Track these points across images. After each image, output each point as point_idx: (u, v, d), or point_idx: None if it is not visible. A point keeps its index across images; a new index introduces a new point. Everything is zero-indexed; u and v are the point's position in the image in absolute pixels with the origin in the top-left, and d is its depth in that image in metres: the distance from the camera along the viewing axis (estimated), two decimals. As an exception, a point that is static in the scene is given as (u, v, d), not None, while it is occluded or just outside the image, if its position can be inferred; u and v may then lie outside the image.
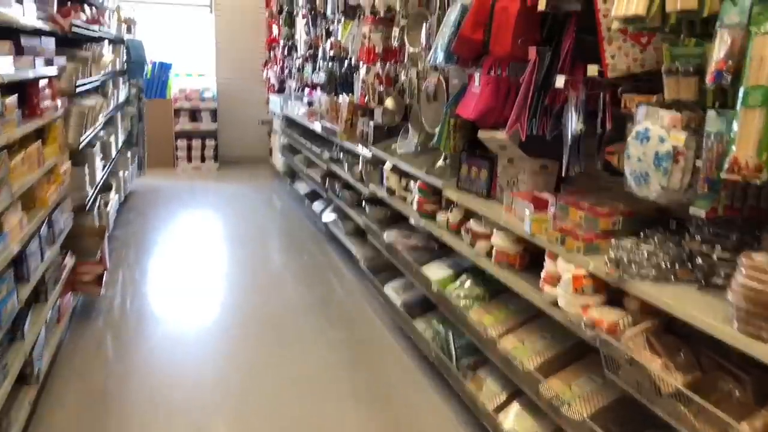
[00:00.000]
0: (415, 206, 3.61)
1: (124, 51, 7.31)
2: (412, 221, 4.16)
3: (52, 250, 3.36)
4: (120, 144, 6.44)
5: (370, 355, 3.76)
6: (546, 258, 2.34)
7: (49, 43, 3.55)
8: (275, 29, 9.06)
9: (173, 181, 8.68)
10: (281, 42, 8.62)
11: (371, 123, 4.56)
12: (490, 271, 2.79)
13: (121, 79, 6.74)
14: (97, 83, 4.96)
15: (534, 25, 2.65)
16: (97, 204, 4.86)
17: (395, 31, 4.19)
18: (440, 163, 3.57)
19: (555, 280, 2.26)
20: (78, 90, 4.01)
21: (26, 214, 2.90)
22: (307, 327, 4.07)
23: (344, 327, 4.10)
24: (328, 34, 6.01)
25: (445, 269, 3.40)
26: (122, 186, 6.19)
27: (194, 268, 5.15)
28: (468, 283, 3.12)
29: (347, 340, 3.92)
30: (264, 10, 9.71)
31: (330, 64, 6.01)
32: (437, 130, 3.22)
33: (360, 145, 4.84)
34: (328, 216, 6.02)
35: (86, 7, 4.99)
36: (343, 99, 5.31)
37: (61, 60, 3.69)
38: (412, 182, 3.82)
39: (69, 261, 3.88)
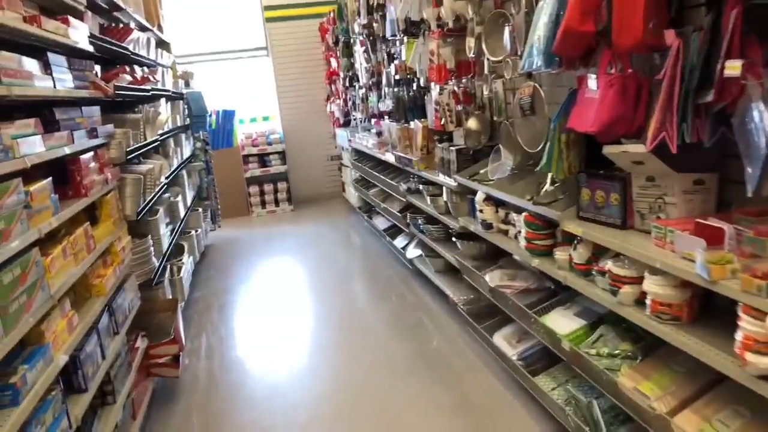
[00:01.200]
0: (522, 243, 3.00)
1: (184, 106, 7.11)
2: (516, 257, 3.55)
3: (116, 341, 2.97)
4: (189, 202, 6.17)
5: (493, 424, 3.14)
6: (742, 313, 1.68)
7: (93, 112, 3.22)
8: (333, 62, 8.72)
9: (249, 230, 8.41)
10: (341, 74, 8.26)
11: (452, 148, 4.00)
12: (644, 325, 2.14)
13: (183, 135, 6.51)
14: (156, 144, 4.66)
15: (661, 2, 2.03)
16: (168, 273, 4.52)
17: (469, 42, 3.64)
18: (547, 187, 2.95)
19: (764, 345, 1.59)
20: (131, 156, 3.68)
21: (78, 310, 2.51)
22: (410, 392, 3.51)
23: (454, 387, 3.50)
24: (391, 57, 5.53)
25: (572, 319, 2.76)
26: (196, 245, 5.89)
27: (278, 327, 4.72)
28: (610, 338, 2.47)
29: (462, 405, 3.32)
30: (320, 43, 9.42)
31: (396, 89, 5.51)
32: (545, 149, 2.61)
33: (441, 174, 4.28)
34: (413, 252, 5.48)
35: (136, 68, 4.72)
36: (416, 125, 4.78)
37: (107, 128, 3.35)
38: (513, 213, 3.22)
39: (141, 344, 3.50)
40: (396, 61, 5.02)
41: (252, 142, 9.31)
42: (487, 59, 3.42)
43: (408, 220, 5.18)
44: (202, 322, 4.95)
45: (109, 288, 2.94)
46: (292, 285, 5.79)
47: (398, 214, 5.59)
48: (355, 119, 7.99)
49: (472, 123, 3.78)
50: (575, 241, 2.58)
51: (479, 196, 3.47)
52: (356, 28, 6.59)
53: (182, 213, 5.46)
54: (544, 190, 2.98)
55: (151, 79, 4.70)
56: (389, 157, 5.78)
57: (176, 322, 3.83)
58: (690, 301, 2.01)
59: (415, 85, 4.85)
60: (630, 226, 2.35)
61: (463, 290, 4.32)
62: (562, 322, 2.76)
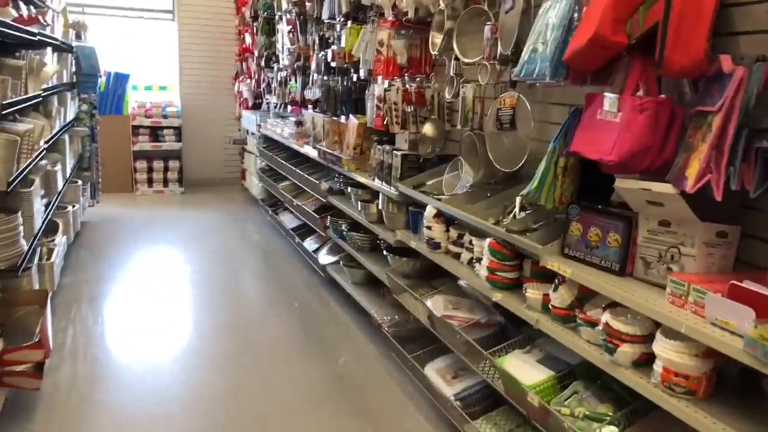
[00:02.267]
0: (482, 272, 2.64)
1: (73, 61, 6.15)
2: (462, 284, 3.19)
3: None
4: (69, 172, 5.29)
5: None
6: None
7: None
8: (248, 38, 8.03)
9: (132, 209, 7.51)
10: (256, 52, 7.60)
11: (396, 153, 3.58)
12: (648, 394, 1.83)
13: (69, 94, 5.59)
14: (37, 100, 3.85)
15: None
16: (38, 256, 3.74)
17: (434, 37, 3.24)
18: (516, 212, 2.61)
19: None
20: (7, 111, 2.92)
21: None
22: (320, 426, 3.04)
23: (372, 423, 3.07)
24: (324, 42, 5.02)
25: (535, 366, 2.43)
26: (72, 224, 5.04)
27: (158, 331, 4.05)
28: (586, 397, 2.16)
29: (382, 448, 2.91)
30: (234, 16, 8.67)
31: (326, 77, 5.01)
32: (537, 173, 2.25)
33: (377, 180, 3.85)
34: (326, 257, 5.00)
35: (21, 4, 3.88)
36: (351, 120, 4.31)
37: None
38: (471, 236, 2.85)
39: (-6, 349, 2.77)
40: (334, 47, 4.53)
41: (145, 111, 8.38)
42: (456, 60, 3.04)
43: (327, 224, 4.70)
44: (71, 316, 4.17)
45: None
46: (177, 281, 5.10)
47: (314, 214, 5.09)
48: (268, 103, 7.37)
49: (428, 128, 3.38)
50: (556, 281, 2.25)
51: (429, 212, 3.07)
52: (284, 5, 6.00)
53: (60, 185, 4.62)
54: (511, 215, 2.64)
55: (43, 21, 3.87)
56: (309, 151, 5.26)
57: (43, 320, 3.10)
58: (710, 374, 1.73)
59: (354, 76, 4.38)
60: (629, 273, 2.05)
61: (386, 308, 3.92)
62: (525, 369, 2.42)
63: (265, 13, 6.81)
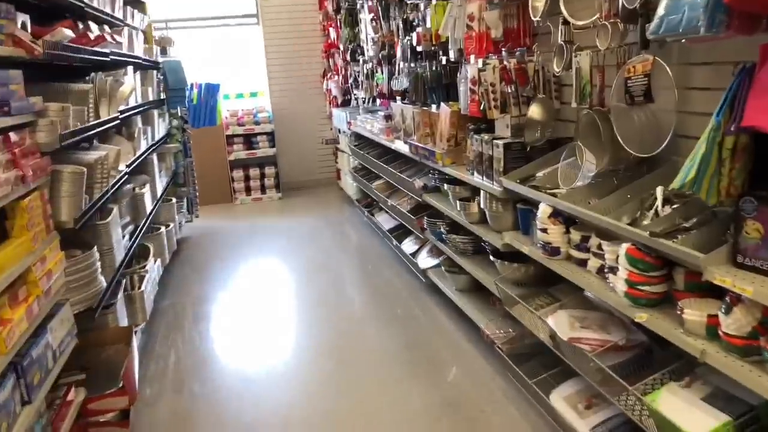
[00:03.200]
0: (620, 285, 2.10)
1: (159, 77, 6.10)
2: (589, 294, 2.65)
3: (28, 412, 2.04)
4: (160, 192, 5.20)
5: None
6: None
7: (7, 77, 2.24)
8: (333, 33, 7.73)
9: (231, 220, 7.45)
10: (341, 46, 7.28)
11: (498, 142, 3.07)
12: None
13: (156, 112, 5.52)
14: (115, 123, 3.69)
15: None
16: (123, 287, 3.58)
17: (534, 0, 2.70)
18: (659, 208, 2.05)
19: None
20: (73, 139, 2.71)
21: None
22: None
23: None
24: (409, 26, 4.57)
25: (701, 408, 1.87)
26: (166, 245, 4.93)
27: (263, 352, 3.80)
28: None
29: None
30: (317, 12, 8.41)
31: (414, 64, 4.56)
32: (693, 159, 1.69)
33: (477, 174, 3.36)
34: (426, 261, 4.57)
35: (92, 25, 3.73)
36: (442, 109, 3.84)
37: (28, 101, 2.37)
38: (600, 240, 2.31)
39: (76, 396, 2.58)
40: (419, 29, 4.07)
41: (237, 120, 8.32)
42: (565, 24, 2.49)
43: (424, 225, 4.26)
44: (168, 342, 4.02)
45: (17, 338, 2.00)
46: (279, 295, 4.86)
47: (409, 215, 4.67)
48: (356, 99, 7.03)
49: (534, 110, 2.85)
50: (727, 300, 1.68)
51: (543, 211, 2.55)
52: (364, -8, 5.62)
53: (149, 207, 4.50)
54: (652, 211, 2.08)
55: (112, 40, 3.71)
56: (400, 146, 4.85)
57: (129, 360, 2.90)
58: None
59: (443, 59, 3.90)
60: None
61: (497, 320, 3.43)
62: (687, 412, 1.87)
63: (347, 3, 6.45)
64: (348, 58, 6.95)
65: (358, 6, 6.14)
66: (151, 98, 5.35)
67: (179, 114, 6.68)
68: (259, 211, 7.84)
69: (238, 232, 6.87)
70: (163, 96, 6.22)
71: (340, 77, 7.55)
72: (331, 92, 8.03)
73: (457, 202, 3.55)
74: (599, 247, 2.30)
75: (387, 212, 5.67)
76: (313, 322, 4.26)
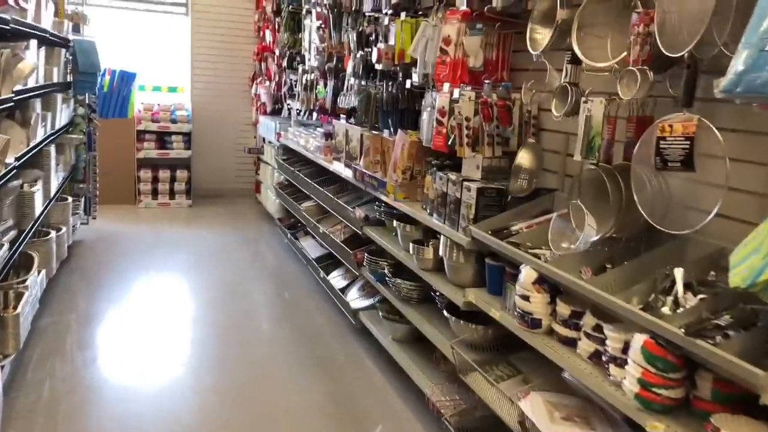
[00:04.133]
0: (630, 385, 1.75)
1: (67, 57, 5.34)
2: (567, 376, 2.31)
3: None
4: (55, 190, 4.45)
5: None
6: None
7: None
8: (268, 35, 7.20)
9: (133, 225, 6.67)
10: (277, 51, 6.78)
11: (471, 185, 2.70)
12: None
13: (60, 97, 4.77)
14: (8, 105, 3.01)
15: None
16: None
17: (534, 31, 2.36)
18: (681, 295, 1.73)
19: None
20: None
21: None
22: None
23: None
24: (364, 40, 4.16)
25: None
26: (54, 255, 4.19)
27: (146, 402, 3.19)
28: None
29: None
30: (253, 11, 7.85)
31: (365, 82, 4.15)
32: (753, 247, 1.37)
33: (435, 215, 2.98)
34: (358, 301, 4.14)
35: (-9, -18, 3.04)
36: (400, 137, 3.44)
37: None
38: (593, 318, 1.97)
39: None
40: (380, 45, 3.66)
41: (152, 115, 7.55)
42: (572, 62, 2.17)
43: (364, 262, 3.83)
44: (47, 369, 3.32)
45: None
46: (177, 322, 4.23)
47: (345, 247, 4.22)
48: (289, 109, 6.52)
49: (524, 157, 2.50)
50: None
51: (527, 275, 2.19)
52: (313, -4, 5.17)
53: (39, 208, 3.78)
54: (671, 298, 1.76)
55: (15, 4, 3.03)
56: (340, 169, 4.40)
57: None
58: None
59: (406, 82, 3.50)
60: None
61: (443, 385, 3.03)
62: None
63: (291, 6, 5.97)
64: (284, 64, 6.45)
65: (304, 11, 5.68)
66: (55, 80, 4.61)
67: (87, 101, 5.91)
68: (165, 218, 7.10)
69: (140, 239, 6.14)
70: (70, 78, 5.45)
71: (273, 84, 7.02)
72: (260, 98, 7.47)
73: (410, 244, 3.14)
74: (596, 329, 1.95)
75: (315, 238, 5.19)
76: (219, 359, 3.69)
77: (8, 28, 3.02)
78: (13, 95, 3.03)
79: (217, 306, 4.54)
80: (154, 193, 7.59)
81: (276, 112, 7.11)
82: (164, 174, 7.62)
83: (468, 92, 2.83)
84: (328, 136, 4.81)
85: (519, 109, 2.80)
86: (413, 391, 3.22)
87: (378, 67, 3.71)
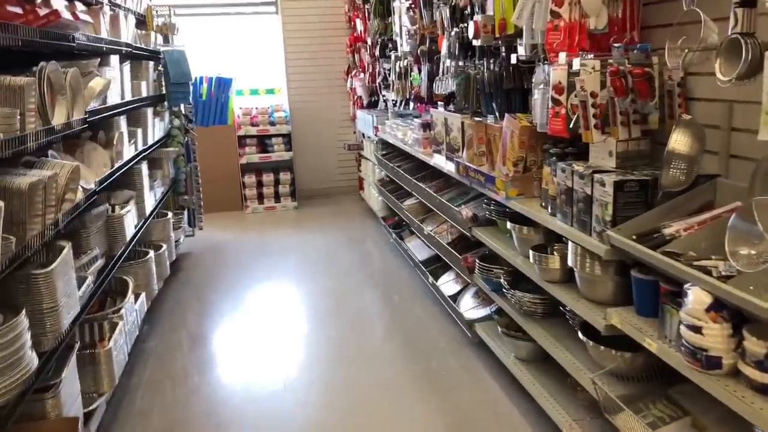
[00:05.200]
0: None
1: (158, 69, 5.25)
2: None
3: None
4: (152, 207, 4.34)
5: None
6: None
7: None
8: (359, 24, 6.83)
9: (240, 233, 6.57)
10: (369, 40, 6.39)
11: (605, 179, 2.13)
12: None
13: (150, 111, 4.65)
14: (83, 127, 2.83)
15: None
16: (81, 341, 2.71)
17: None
18: None
19: None
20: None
21: None
22: None
23: None
24: (459, 15, 3.65)
25: None
26: (153, 277, 4.05)
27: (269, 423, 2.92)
28: None
29: None
30: (342, 1, 7.51)
31: (464, 63, 3.64)
32: None
33: (559, 216, 2.45)
34: (474, 311, 3.67)
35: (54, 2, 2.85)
36: (508, 122, 2.92)
37: None
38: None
39: None
40: (477, 18, 3.14)
41: (251, 120, 7.45)
42: (743, 4, 1.57)
43: (475, 268, 3.34)
44: (155, 400, 3.15)
45: None
46: (290, 341, 3.95)
47: (452, 250, 3.76)
48: (385, 101, 6.13)
49: (679, 140, 1.90)
50: None
51: (698, 300, 1.63)
52: (401, -25, 4.71)
53: (131, 230, 3.63)
54: None
55: (74, 19, 2.83)
56: (441, 163, 3.94)
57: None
58: None
59: (512, 57, 2.97)
60: None
61: (584, 421, 2.51)
62: None
63: (378, -10, 5.55)
64: (377, 53, 6.05)
65: (393, -7, 5.24)
66: (144, 94, 4.49)
67: (182, 111, 5.84)
68: (271, 223, 6.97)
69: (247, 247, 6.00)
70: (163, 91, 5.38)
71: (367, 75, 6.65)
72: (356, 92, 7.14)
73: (530, 252, 2.63)
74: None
75: (419, 237, 4.76)
76: (327, 384, 3.36)
77: (74, 44, 2.82)
78: (85, 116, 2.84)
79: (325, 319, 4.24)
80: (260, 197, 7.51)
81: (372, 105, 6.74)
82: (268, 177, 7.51)
83: (591, 61, 2.26)
84: (426, 126, 4.36)
85: (659, 76, 2.20)
86: (546, 419, 2.71)
87: (476, 43, 3.20)
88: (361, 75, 6.90)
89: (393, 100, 5.53)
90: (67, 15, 2.65)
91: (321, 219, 6.96)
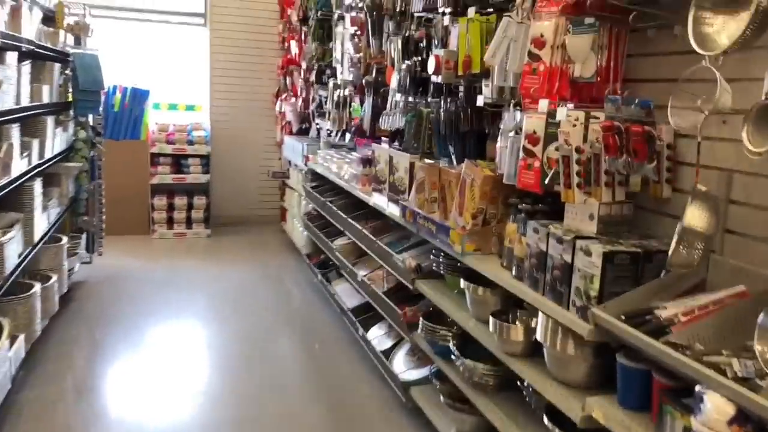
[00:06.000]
0: None
1: (65, 73, 4.66)
2: None
3: None
4: (42, 232, 3.73)
5: None
6: None
7: None
8: (294, 47, 6.48)
9: (144, 261, 5.93)
10: (304, 64, 6.04)
11: (592, 248, 1.86)
12: None
13: (50, 120, 4.05)
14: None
15: None
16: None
17: (702, 22, 1.55)
18: None
19: None
20: None
21: None
22: None
23: None
24: (412, 47, 3.38)
25: None
26: (38, 312, 3.44)
27: None
28: None
29: None
30: (277, 21, 7.15)
31: (414, 98, 3.36)
32: None
33: (528, 282, 2.16)
34: (409, 372, 3.33)
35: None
36: (469, 169, 2.62)
37: None
38: None
39: None
40: (438, 52, 2.86)
41: (166, 137, 6.86)
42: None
43: (419, 328, 3.00)
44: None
45: None
46: (191, 402, 3.43)
47: (389, 302, 3.41)
48: (318, 129, 5.77)
49: (695, 215, 1.63)
50: None
51: (717, 410, 1.36)
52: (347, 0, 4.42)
53: (13, 261, 3.03)
54: None
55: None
56: (383, 204, 3.61)
57: None
58: None
59: (478, 99, 2.70)
60: None
61: None
62: None
63: (320, 12, 5.22)
64: (312, 79, 5.70)
65: (335, 17, 4.93)
66: (46, 100, 3.92)
67: (90, 123, 5.22)
68: (181, 251, 6.38)
69: (152, 278, 5.40)
70: (70, 98, 4.77)
71: (300, 100, 6.28)
72: (285, 116, 6.74)
73: (491, 319, 2.32)
74: None
75: (348, 281, 4.39)
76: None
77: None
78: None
79: (236, 370, 3.76)
80: (170, 221, 6.88)
81: (303, 132, 6.36)
82: (181, 201, 6.92)
83: (576, 112, 2.01)
84: (366, 162, 4.03)
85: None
86: None
87: (435, 79, 2.91)
88: (293, 99, 6.52)
89: (328, 130, 5.18)
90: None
91: (236, 250, 6.44)
